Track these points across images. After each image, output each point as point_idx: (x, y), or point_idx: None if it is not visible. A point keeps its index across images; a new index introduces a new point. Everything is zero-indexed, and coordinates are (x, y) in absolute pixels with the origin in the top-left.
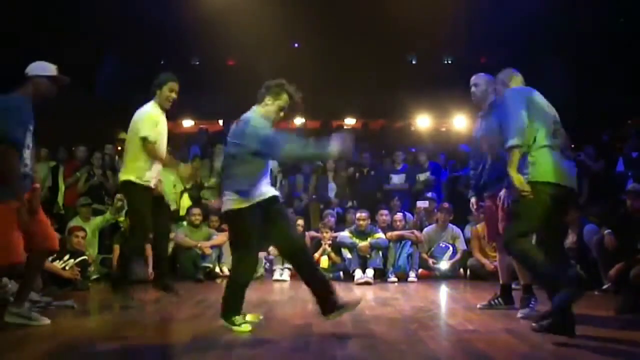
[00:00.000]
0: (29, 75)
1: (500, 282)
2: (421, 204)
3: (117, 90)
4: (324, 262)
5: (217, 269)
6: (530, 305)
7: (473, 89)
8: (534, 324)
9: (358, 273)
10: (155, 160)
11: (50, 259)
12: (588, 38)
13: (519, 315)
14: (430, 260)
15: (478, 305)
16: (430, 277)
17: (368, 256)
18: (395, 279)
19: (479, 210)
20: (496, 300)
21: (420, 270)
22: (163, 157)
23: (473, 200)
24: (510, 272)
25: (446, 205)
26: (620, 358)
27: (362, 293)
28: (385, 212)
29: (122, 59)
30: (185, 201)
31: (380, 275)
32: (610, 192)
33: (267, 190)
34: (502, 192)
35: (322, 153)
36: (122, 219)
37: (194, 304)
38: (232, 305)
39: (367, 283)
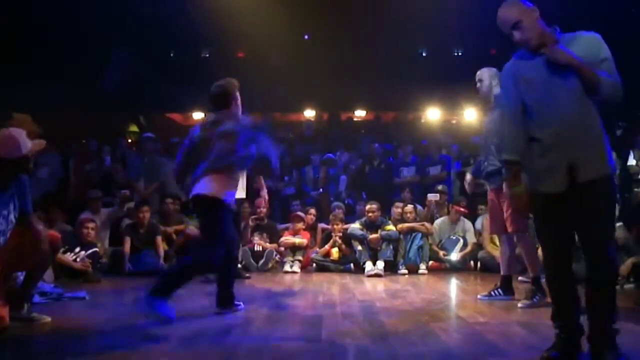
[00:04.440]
0: None
1: (501, 273)
2: (432, 197)
3: (126, 84)
4: (335, 254)
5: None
6: (534, 299)
7: (478, 84)
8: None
9: (368, 265)
10: None
11: (61, 250)
12: (600, 29)
13: (519, 305)
14: (441, 252)
15: (478, 296)
16: (441, 269)
17: (378, 248)
18: (406, 271)
19: (471, 187)
20: (496, 291)
21: (430, 263)
22: None
23: (469, 177)
24: (511, 264)
25: (464, 203)
26: (633, 351)
27: (373, 285)
28: (400, 204)
29: (131, 51)
30: None
31: (391, 267)
32: (622, 186)
33: None
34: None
35: None
36: (132, 205)
37: (204, 296)
38: None
39: (377, 275)
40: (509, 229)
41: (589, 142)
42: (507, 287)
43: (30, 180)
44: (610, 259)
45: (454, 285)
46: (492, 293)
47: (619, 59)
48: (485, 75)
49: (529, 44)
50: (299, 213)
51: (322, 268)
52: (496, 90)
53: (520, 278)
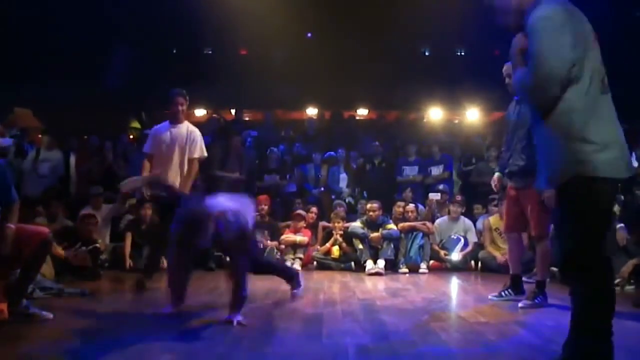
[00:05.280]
0: None
1: (510, 272)
2: (433, 196)
3: (128, 80)
4: (335, 252)
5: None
6: (536, 300)
7: (507, 80)
8: None
9: (369, 264)
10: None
11: (62, 247)
12: (602, 30)
13: (520, 305)
14: (442, 252)
15: (489, 296)
16: (441, 268)
17: (379, 247)
18: (406, 270)
19: (498, 188)
20: (507, 291)
21: (431, 262)
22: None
23: (496, 176)
24: (520, 263)
25: (459, 197)
26: (634, 351)
27: (373, 284)
28: (402, 203)
29: (133, 48)
30: None
31: (392, 266)
32: (624, 188)
33: None
34: (546, 195)
35: None
36: (133, 201)
37: (205, 292)
38: None
39: (378, 274)
40: (533, 232)
41: (539, 150)
42: (517, 287)
43: (31, 176)
44: (565, 253)
45: (454, 285)
46: (503, 293)
47: (621, 59)
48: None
49: (508, 27)
50: (301, 212)
51: (323, 266)
52: None
53: (524, 278)
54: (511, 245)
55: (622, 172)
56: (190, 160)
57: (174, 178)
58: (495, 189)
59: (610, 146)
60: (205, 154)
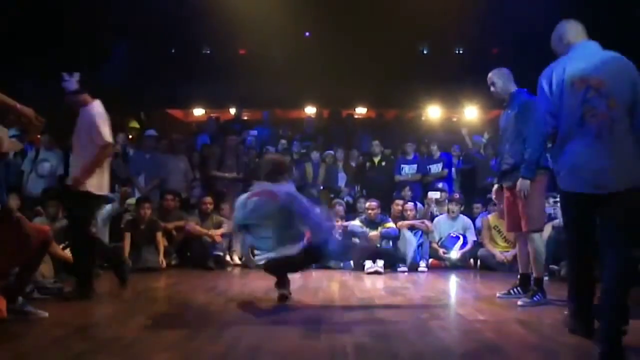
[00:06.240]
0: None
1: (520, 271)
2: (432, 195)
3: (127, 80)
4: None
5: (228, 257)
6: (535, 298)
7: (492, 88)
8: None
9: (368, 262)
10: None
11: (61, 246)
12: (602, 29)
13: (519, 303)
14: (441, 250)
15: (497, 294)
16: (440, 267)
17: (378, 245)
18: (406, 269)
19: (498, 199)
20: (515, 290)
21: (430, 260)
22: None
23: (495, 187)
24: (529, 262)
25: (457, 196)
26: (634, 349)
27: (372, 282)
28: (400, 202)
29: (132, 47)
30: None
31: (391, 265)
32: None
33: None
34: (519, 183)
35: None
36: (132, 201)
37: (204, 291)
38: None
39: (377, 272)
40: (523, 229)
41: None
42: (526, 286)
43: (31, 176)
44: None
45: (453, 283)
46: (512, 292)
47: None
48: (496, 77)
49: None
50: None
51: (321, 265)
52: (512, 87)
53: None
54: (519, 245)
55: (582, 187)
56: (98, 147)
57: (77, 167)
58: (494, 199)
59: (574, 168)
60: (110, 140)
